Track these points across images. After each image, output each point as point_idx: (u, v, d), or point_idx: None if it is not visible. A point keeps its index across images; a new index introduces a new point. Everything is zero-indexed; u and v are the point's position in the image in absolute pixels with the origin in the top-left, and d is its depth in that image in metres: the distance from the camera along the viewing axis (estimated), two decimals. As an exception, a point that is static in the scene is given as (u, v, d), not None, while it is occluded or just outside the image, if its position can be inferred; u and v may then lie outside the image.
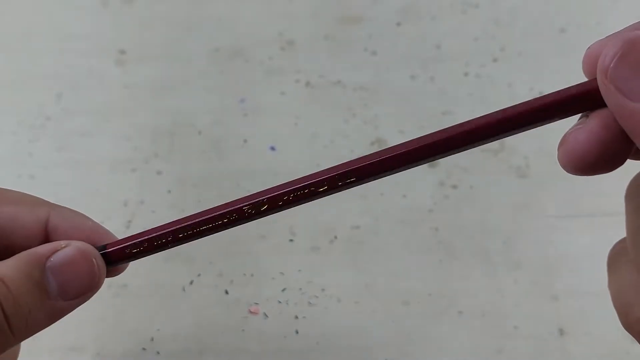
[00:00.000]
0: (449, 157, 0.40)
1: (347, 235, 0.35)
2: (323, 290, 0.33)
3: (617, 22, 0.45)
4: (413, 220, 0.35)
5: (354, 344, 0.32)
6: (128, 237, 0.20)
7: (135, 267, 0.34)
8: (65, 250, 0.16)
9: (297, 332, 0.32)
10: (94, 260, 0.17)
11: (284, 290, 0.33)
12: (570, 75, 0.40)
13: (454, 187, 0.36)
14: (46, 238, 0.18)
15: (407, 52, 0.41)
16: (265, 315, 0.33)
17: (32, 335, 0.17)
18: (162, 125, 0.38)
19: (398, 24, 0.42)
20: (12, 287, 0.16)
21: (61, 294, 0.16)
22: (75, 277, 0.16)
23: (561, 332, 0.32)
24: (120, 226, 0.35)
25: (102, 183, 0.36)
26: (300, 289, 0.33)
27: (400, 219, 0.35)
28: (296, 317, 0.33)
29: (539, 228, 0.35)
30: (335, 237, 0.35)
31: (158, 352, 0.31)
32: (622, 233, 0.37)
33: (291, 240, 0.35)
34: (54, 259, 0.16)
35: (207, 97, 0.39)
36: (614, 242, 0.35)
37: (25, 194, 0.19)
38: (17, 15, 0.43)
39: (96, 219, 0.35)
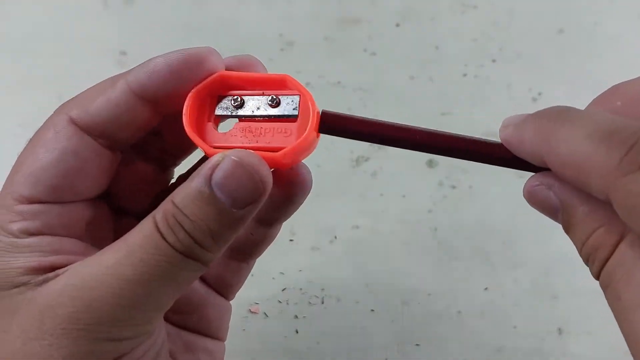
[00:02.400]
0: (447, 157, 0.40)
1: (347, 235, 0.35)
2: (323, 290, 0.33)
3: (614, 23, 0.45)
4: (412, 220, 0.35)
5: (354, 344, 0.32)
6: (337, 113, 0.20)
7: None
8: (222, 164, 0.17)
9: (297, 331, 0.33)
10: (252, 166, 0.17)
11: (284, 290, 0.34)
12: (568, 75, 0.41)
13: (453, 187, 0.36)
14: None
15: (406, 53, 0.41)
16: (266, 315, 0.33)
17: (224, 246, 0.18)
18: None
19: (397, 25, 0.42)
20: (185, 210, 0.17)
21: (233, 205, 0.17)
22: (239, 187, 0.17)
23: (560, 331, 0.32)
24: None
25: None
26: (300, 289, 0.34)
27: (399, 219, 0.35)
28: (296, 317, 0.33)
29: (538, 228, 0.35)
30: (335, 237, 0.35)
31: (159, 352, 0.31)
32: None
33: (291, 240, 0.35)
34: (215, 175, 0.17)
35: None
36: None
37: None
38: (18, 18, 0.43)
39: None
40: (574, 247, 0.36)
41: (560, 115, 0.18)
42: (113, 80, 0.20)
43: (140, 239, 0.17)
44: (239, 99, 0.20)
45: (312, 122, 0.19)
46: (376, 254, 0.35)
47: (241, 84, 0.20)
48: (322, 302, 0.33)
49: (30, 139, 0.20)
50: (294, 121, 0.20)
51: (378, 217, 0.35)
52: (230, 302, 0.25)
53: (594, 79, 0.40)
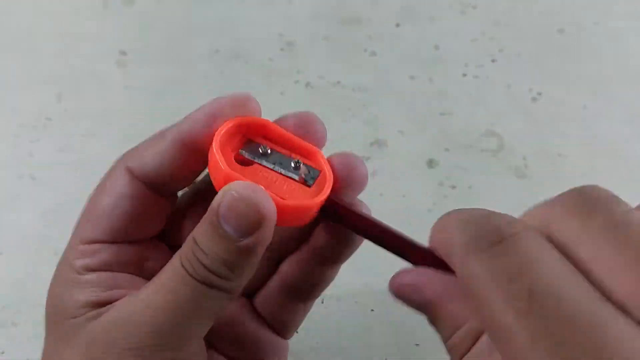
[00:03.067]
0: (447, 157, 0.40)
1: (347, 235, 0.35)
2: (323, 290, 0.34)
3: (615, 23, 0.45)
4: (412, 220, 0.35)
5: (354, 344, 0.32)
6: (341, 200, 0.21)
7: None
8: (225, 197, 0.19)
9: (297, 331, 0.33)
10: (249, 197, 0.19)
11: (284, 290, 0.34)
12: (568, 75, 0.41)
13: (453, 187, 0.37)
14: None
15: (406, 53, 0.41)
16: (266, 315, 0.33)
17: (244, 273, 0.19)
18: (162, 126, 0.38)
19: (397, 25, 0.42)
20: (201, 244, 0.19)
21: (239, 235, 0.19)
22: (240, 217, 0.18)
23: (560, 331, 0.32)
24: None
25: (102, 184, 0.36)
26: (301, 288, 0.34)
27: (399, 219, 0.35)
28: (296, 317, 0.33)
29: (538, 228, 0.35)
30: (335, 237, 0.35)
31: (159, 352, 0.31)
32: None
33: (291, 240, 0.35)
34: (220, 209, 0.18)
35: (208, 98, 0.39)
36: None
37: None
38: (18, 17, 0.43)
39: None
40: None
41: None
42: (163, 132, 0.22)
43: (169, 272, 0.20)
44: (267, 150, 0.21)
45: (319, 199, 0.20)
46: (376, 253, 0.35)
47: (275, 137, 0.22)
48: (322, 302, 0.33)
49: (96, 186, 0.23)
50: (307, 188, 0.21)
51: (378, 217, 0.35)
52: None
53: (594, 79, 0.40)
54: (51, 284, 0.22)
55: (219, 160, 0.20)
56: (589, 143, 0.38)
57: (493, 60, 0.41)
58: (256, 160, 0.21)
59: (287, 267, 0.24)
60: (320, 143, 0.22)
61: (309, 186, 0.21)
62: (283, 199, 0.20)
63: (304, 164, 0.21)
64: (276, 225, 0.20)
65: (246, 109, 0.21)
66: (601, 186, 0.16)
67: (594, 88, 0.40)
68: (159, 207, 0.22)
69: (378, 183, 0.36)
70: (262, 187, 0.19)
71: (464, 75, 0.40)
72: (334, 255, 0.23)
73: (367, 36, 0.42)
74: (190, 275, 0.19)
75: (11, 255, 0.34)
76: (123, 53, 0.41)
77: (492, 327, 0.14)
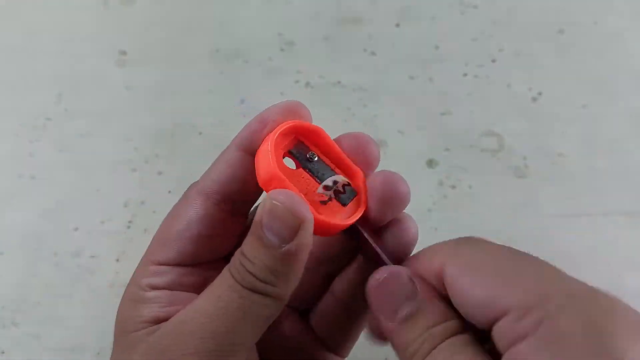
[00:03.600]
0: (447, 157, 0.40)
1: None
2: (323, 289, 0.33)
3: (614, 23, 0.45)
4: (412, 220, 0.35)
5: (354, 344, 0.32)
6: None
7: (136, 266, 0.34)
8: (265, 206, 0.20)
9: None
10: (286, 204, 0.20)
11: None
12: (568, 75, 0.41)
13: (453, 187, 0.36)
14: None
15: (406, 52, 0.41)
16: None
17: (289, 279, 0.20)
18: (162, 126, 0.38)
19: (397, 25, 0.42)
20: (247, 253, 0.20)
21: (280, 241, 0.20)
22: (280, 224, 0.19)
23: (560, 331, 0.32)
24: (121, 227, 0.35)
25: (102, 183, 0.36)
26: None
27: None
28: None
29: (538, 228, 0.35)
30: (335, 237, 0.35)
31: (159, 352, 0.31)
32: (621, 232, 0.37)
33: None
34: (263, 217, 0.20)
35: (208, 98, 0.39)
36: (613, 241, 0.36)
37: None
38: (18, 17, 0.43)
39: (97, 219, 0.35)
40: (574, 247, 0.36)
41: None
42: (226, 148, 0.23)
43: (219, 282, 0.21)
44: (314, 156, 0.22)
45: (348, 221, 0.21)
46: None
47: (324, 147, 0.22)
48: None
49: (171, 208, 0.23)
50: (341, 205, 0.22)
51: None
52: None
53: (594, 79, 0.40)
54: (121, 301, 0.23)
55: (269, 157, 0.21)
56: (589, 143, 0.38)
57: (493, 60, 0.41)
58: (301, 164, 0.22)
59: (340, 285, 0.24)
60: (370, 165, 0.23)
61: (344, 205, 0.22)
62: (318, 210, 0.21)
63: (344, 182, 0.22)
64: (323, 234, 0.21)
65: (297, 116, 0.22)
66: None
67: (593, 88, 0.40)
68: (230, 228, 0.23)
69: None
70: (301, 194, 0.20)
71: (464, 75, 0.40)
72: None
73: (367, 36, 0.42)
74: (238, 282, 0.20)
75: (11, 255, 0.34)
76: (123, 53, 0.41)
77: None
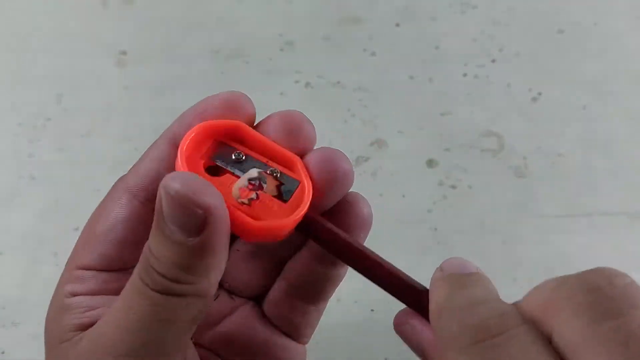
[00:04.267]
0: (447, 157, 0.40)
1: (347, 235, 0.35)
2: (323, 289, 0.33)
3: (615, 23, 0.45)
4: (412, 220, 0.35)
5: (354, 344, 0.32)
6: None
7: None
8: (164, 196, 0.16)
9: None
10: (189, 194, 0.16)
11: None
12: (568, 75, 0.41)
13: (453, 187, 0.36)
14: None
15: (406, 52, 0.41)
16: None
17: (207, 274, 0.17)
18: (162, 125, 0.38)
19: (397, 25, 0.42)
20: (154, 250, 0.17)
21: (186, 234, 0.16)
22: (182, 216, 0.16)
23: (560, 331, 0.32)
24: (121, 226, 0.35)
25: (102, 184, 0.36)
26: (300, 288, 0.33)
27: (399, 219, 0.35)
28: (296, 317, 0.33)
29: (538, 228, 0.35)
30: (335, 237, 0.35)
31: (158, 352, 0.31)
32: (621, 232, 0.37)
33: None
34: (163, 207, 0.16)
35: (207, 97, 0.39)
36: (612, 241, 0.36)
37: None
38: (17, 16, 0.43)
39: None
40: (574, 248, 0.36)
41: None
42: (157, 139, 0.22)
43: (129, 287, 0.18)
44: (242, 156, 0.19)
45: (295, 217, 0.19)
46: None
47: (250, 142, 0.20)
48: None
49: (96, 208, 0.21)
50: (281, 202, 0.19)
51: (378, 217, 0.35)
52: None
53: (594, 79, 0.40)
54: (48, 308, 0.21)
55: (180, 169, 0.18)
56: (589, 143, 0.38)
57: (493, 60, 0.41)
58: (228, 168, 0.19)
59: (291, 268, 0.22)
60: (307, 147, 0.20)
61: (285, 201, 0.19)
62: (255, 215, 0.18)
63: (281, 173, 0.19)
64: (246, 241, 0.19)
65: (238, 110, 0.20)
66: (620, 273, 0.14)
67: (594, 88, 0.40)
68: None
69: (378, 183, 0.36)
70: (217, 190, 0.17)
71: (464, 75, 0.40)
72: (331, 257, 0.22)
73: (367, 36, 0.42)
74: (148, 286, 0.17)
75: (11, 255, 0.34)
76: (123, 52, 0.41)
77: None
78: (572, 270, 0.36)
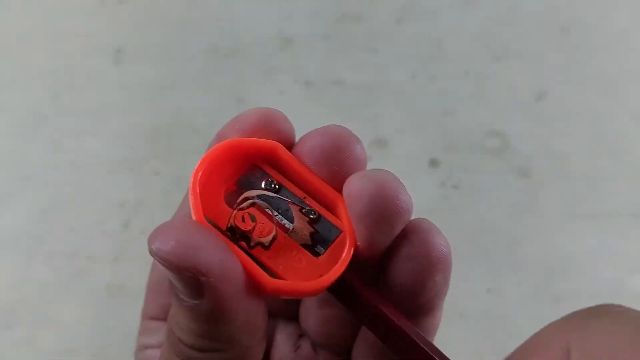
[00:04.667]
0: (449, 157, 0.39)
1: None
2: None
3: (620, 20, 0.44)
4: (414, 221, 0.35)
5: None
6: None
7: (133, 268, 0.33)
8: (155, 254, 0.14)
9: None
10: (169, 255, 0.13)
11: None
12: (572, 74, 0.40)
13: (455, 187, 0.36)
14: None
15: (408, 50, 0.41)
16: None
17: (246, 339, 0.15)
18: (159, 125, 0.38)
19: (398, 23, 0.42)
20: (173, 312, 0.15)
21: (190, 297, 0.14)
22: (177, 278, 0.14)
23: (564, 334, 0.32)
24: (118, 227, 0.34)
25: (98, 184, 0.36)
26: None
27: (400, 220, 0.35)
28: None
29: (541, 229, 0.35)
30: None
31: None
32: (626, 233, 0.37)
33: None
34: (165, 269, 0.14)
35: (205, 96, 0.39)
36: (618, 242, 0.35)
37: None
38: (12, 14, 0.42)
39: (93, 220, 0.35)
40: (578, 249, 0.35)
41: None
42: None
43: (163, 350, 0.16)
44: (274, 185, 0.15)
45: (332, 276, 0.15)
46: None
47: (287, 170, 0.15)
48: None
49: None
50: (312, 256, 0.15)
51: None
52: None
53: (599, 78, 0.40)
54: None
55: (192, 203, 0.15)
56: (594, 143, 0.38)
57: (496, 59, 0.40)
58: (255, 199, 0.15)
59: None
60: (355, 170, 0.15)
61: (317, 255, 0.15)
62: (274, 272, 0.15)
63: (318, 215, 0.15)
64: (270, 295, 0.15)
65: (274, 129, 0.16)
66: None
67: (598, 87, 0.40)
68: None
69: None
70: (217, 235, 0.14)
71: (467, 73, 0.40)
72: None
73: (367, 33, 0.41)
74: (174, 353, 0.15)
75: (5, 257, 0.34)
76: (119, 50, 0.40)
77: None
78: (577, 272, 0.35)
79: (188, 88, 0.39)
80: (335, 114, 0.38)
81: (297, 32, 0.41)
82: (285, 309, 0.19)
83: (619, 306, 0.13)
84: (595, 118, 0.38)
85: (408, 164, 0.36)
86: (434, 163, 0.37)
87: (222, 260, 0.13)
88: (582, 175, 0.37)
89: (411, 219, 0.15)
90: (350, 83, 0.39)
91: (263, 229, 0.15)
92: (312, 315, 0.18)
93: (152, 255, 0.14)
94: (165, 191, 0.35)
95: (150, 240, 0.14)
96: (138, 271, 0.33)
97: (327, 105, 0.39)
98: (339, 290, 0.15)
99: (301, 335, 0.19)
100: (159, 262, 0.13)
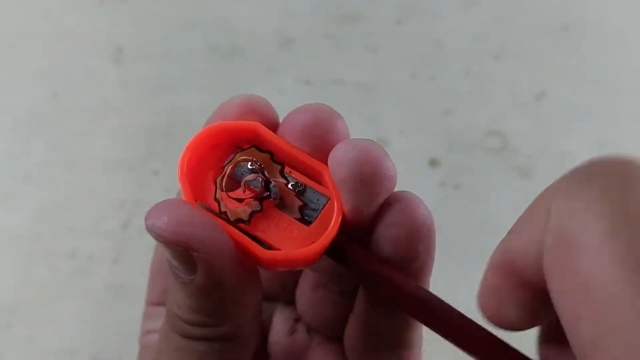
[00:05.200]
0: (449, 157, 0.39)
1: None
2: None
3: (619, 20, 0.44)
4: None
5: None
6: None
7: (132, 268, 0.33)
8: (150, 230, 0.14)
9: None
10: (163, 230, 0.14)
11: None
12: (572, 73, 0.40)
13: (456, 187, 0.36)
14: None
15: (408, 50, 0.41)
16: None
17: (241, 315, 0.15)
18: (159, 124, 0.38)
19: (398, 22, 0.42)
20: (171, 291, 0.16)
21: (187, 272, 0.14)
22: (171, 253, 0.14)
23: (564, 334, 0.32)
24: (117, 227, 0.34)
25: (98, 183, 0.36)
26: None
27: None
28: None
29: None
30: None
31: (155, 355, 0.31)
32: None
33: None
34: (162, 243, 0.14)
35: (205, 95, 0.39)
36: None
37: None
38: (12, 13, 0.42)
39: (92, 219, 0.35)
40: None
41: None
42: None
43: (160, 331, 0.17)
44: (259, 163, 0.16)
45: (324, 241, 0.15)
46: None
47: (271, 148, 0.16)
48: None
49: None
50: (303, 225, 0.16)
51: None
52: None
53: (599, 77, 0.40)
54: None
55: (182, 188, 0.15)
56: (594, 142, 0.38)
57: (496, 58, 0.40)
58: (245, 178, 0.16)
59: (360, 304, 0.18)
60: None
61: (309, 223, 0.15)
62: (269, 245, 0.15)
63: (305, 186, 0.16)
64: (265, 269, 0.15)
65: (257, 115, 0.16)
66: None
67: (598, 86, 0.40)
68: None
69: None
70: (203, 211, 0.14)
71: (467, 73, 0.40)
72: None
73: (367, 33, 0.41)
74: (172, 329, 0.16)
75: (4, 256, 0.34)
76: (119, 49, 0.40)
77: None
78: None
79: (188, 87, 0.39)
80: (335, 114, 0.38)
81: (297, 31, 0.41)
82: (282, 293, 0.20)
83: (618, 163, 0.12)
84: (595, 117, 0.38)
85: (408, 163, 0.36)
86: (434, 163, 0.37)
87: (212, 236, 0.14)
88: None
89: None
90: (350, 83, 0.39)
91: (249, 205, 0.15)
92: (306, 298, 0.19)
93: (147, 230, 0.14)
94: (165, 191, 0.35)
95: (146, 217, 0.14)
96: (138, 271, 0.33)
97: (327, 104, 0.38)
98: (334, 254, 0.15)
99: (297, 319, 0.20)
100: (154, 237, 0.14)
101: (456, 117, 0.38)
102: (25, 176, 0.36)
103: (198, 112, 0.38)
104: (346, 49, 0.41)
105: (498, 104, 0.39)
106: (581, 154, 0.37)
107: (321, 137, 0.16)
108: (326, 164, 0.15)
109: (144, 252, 0.34)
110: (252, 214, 0.15)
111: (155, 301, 0.20)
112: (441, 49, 0.41)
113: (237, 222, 0.15)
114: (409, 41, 0.41)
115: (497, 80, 0.40)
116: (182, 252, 0.14)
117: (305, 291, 0.19)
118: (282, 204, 0.16)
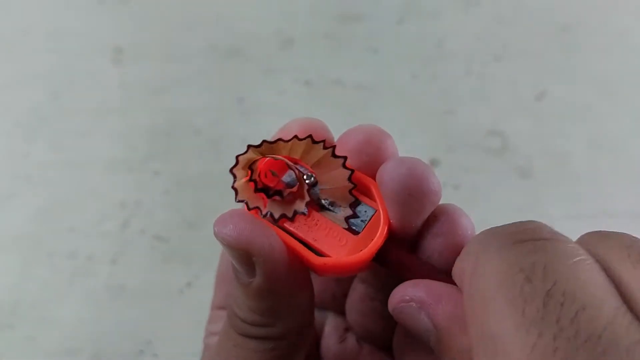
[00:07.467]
0: (450, 157, 0.39)
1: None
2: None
3: (620, 20, 0.44)
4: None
5: None
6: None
7: (132, 269, 0.33)
8: (216, 236, 0.16)
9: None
10: (232, 234, 0.16)
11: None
12: (573, 73, 0.40)
13: (456, 187, 0.36)
14: None
15: (408, 50, 0.41)
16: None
17: (289, 318, 0.17)
18: (159, 124, 0.38)
19: (399, 22, 0.42)
20: (233, 292, 0.17)
21: (247, 275, 0.16)
22: (235, 258, 0.16)
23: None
24: (117, 227, 0.34)
25: (98, 183, 0.36)
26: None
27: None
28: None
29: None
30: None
31: (155, 355, 0.31)
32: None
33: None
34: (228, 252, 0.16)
35: (205, 96, 0.39)
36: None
37: None
38: (12, 14, 0.42)
39: (93, 220, 0.35)
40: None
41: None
42: None
43: (222, 328, 0.18)
44: (314, 178, 0.17)
45: (372, 248, 0.16)
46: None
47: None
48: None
49: None
50: (352, 234, 0.17)
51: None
52: None
53: (599, 78, 0.40)
54: None
55: (237, 181, 0.17)
56: (594, 143, 0.38)
57: (497, 58, 0.40)
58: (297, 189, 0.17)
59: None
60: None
61: (357, 233, 0.17)
62: (321, 253, 0.16)
63: (357, 200, 0.17)
64: (317, 274, 0.17)
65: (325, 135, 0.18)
66: None
67: (599, 86, 0.39)
68: None
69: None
70: (261, 221, 0.16)
71: (467, 73, 0.40)
72: None
73: (368, 33, 0.41)
74: (232, 328, 0.17)
75: (5, 256, 0.34)
76: (119, 50, 0.40)
77: (485, 337, 0.11)
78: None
79: (188, 87, 0.39)
80: (335, 114, 0.38)
81: (297, 31, 0.41)
82: (333, 303, 0.21)
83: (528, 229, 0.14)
84: (595, 118, 0.38)
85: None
86: (434, 163, 0.37)
87: (270, 243, 0.16)
88: (582, 175, 0.36)
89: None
90: (350, 83, 0.39)
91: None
92: (355, 309, 0.20)
93: (215, 236, 0.16)
94: (165, 191, 0.35)
95: (215, 224, 0.16)
96: (137, 271, 0.33)
97: (327, 105, 0.38)
98: (382, 261, 0.17)
99: (347, 329, 0.21)
100: (220, 242, 0.16)
101: (456, 117, 0.38)
102: (26, 176, 0.36)
103: (198, 112, 0.38)
104: (346, 49, 0.41)
105: (498, 104, 0.39)
106: (581, 154, 0.37)
107: (371, 154, 0.17)
108: (374, 179, 0.17)
109: (144, 252, 0.34)
110: (295, 213, 0.17)
111: (220, 305, 0.21)
112: (442, 49, 0.41)
113: (281, 218, 0.17)
114: (409, 41, 0.41)
115: (498, 80, 0.39)
116: (244, 256, 0.16)
117: (354, 303, 0.20)
118: (333, 214, 0.17)
